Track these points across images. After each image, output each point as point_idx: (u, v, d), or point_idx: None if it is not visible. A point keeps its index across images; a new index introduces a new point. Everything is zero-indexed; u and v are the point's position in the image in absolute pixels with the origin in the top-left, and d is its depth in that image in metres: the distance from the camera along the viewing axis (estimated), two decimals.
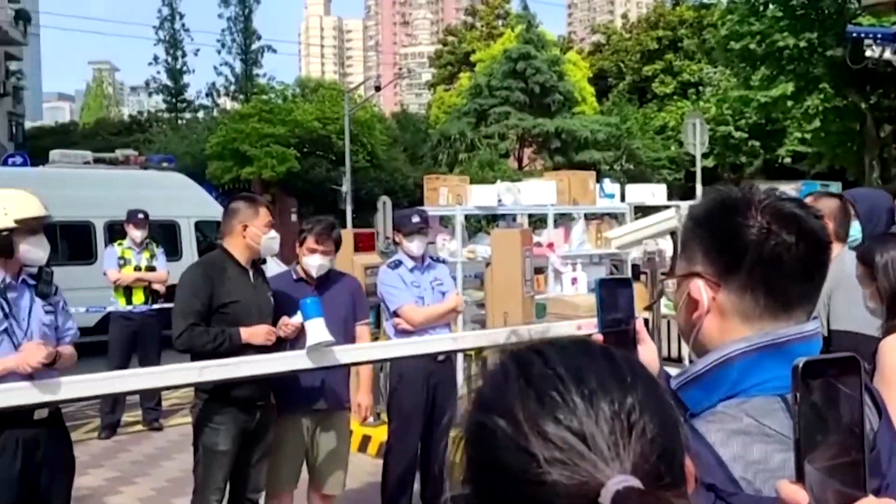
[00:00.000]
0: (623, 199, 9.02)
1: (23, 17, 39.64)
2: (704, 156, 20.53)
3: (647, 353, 1.45)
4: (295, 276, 4.53)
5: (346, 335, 4.33)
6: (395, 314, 5.13)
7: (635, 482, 0.67)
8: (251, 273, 4.22)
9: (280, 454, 4.37)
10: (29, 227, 3.48)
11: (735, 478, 1.06)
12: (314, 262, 4.41)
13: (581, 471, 0.68)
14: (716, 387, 1.18)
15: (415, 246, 5.20)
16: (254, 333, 4.02)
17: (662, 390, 0.77)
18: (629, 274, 7.66)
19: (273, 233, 4.24)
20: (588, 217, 8.58)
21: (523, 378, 0.74)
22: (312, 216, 4.90)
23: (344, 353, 3.79)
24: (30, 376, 3.29)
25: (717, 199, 1.27)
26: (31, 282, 3.57)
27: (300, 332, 3.98)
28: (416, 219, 5.24)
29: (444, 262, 5.66)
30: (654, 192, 9.25)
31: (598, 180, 8.93)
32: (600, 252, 8.52)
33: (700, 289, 1.24)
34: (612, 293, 1.41)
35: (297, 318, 3.98)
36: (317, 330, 3.79)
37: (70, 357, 3.65)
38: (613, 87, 46.05)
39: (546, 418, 0.71)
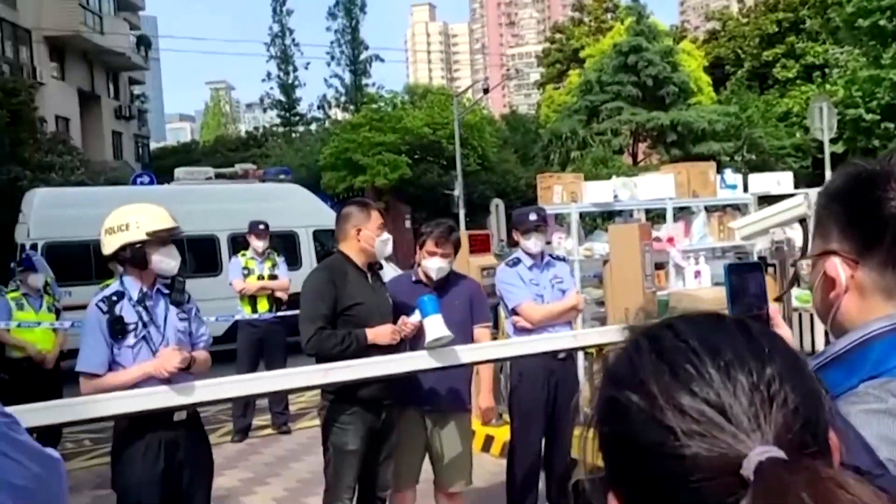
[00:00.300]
0: (746, 189, 8.67)
1: (144, 43, 41.84)
2: (832, 141, 19.51)
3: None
4: (414, 278, 4.59)
5: (464, 337, 4.32)
6: (514, 312, 5.12)
7: (778, 452, 0.64)
8: (369, 276, 4.30)
9: (400, 451, 4.43)
10: (160, 238, 3.64)
11: (881, 459, 1.00)
12: (433, 265, 4.47)
13: (720, 443, 0.66)
14: (857, 367, 1.13)
15: (532, 243, 5.18)
16: (379, 333, 4.08)
17: (803, 362, 0.73)
18: None
19: (385, 235, 4.31)
20: (709, 210, 8.31)
21: (654, 352, 0.72)
22: (426, 221, 4.95)
23: (465, 353, 3.79)
24: (167, 380, 3.44)
25: (853, 174, 1.21)
26: (165, 291, 3.74)
27: (419, 330, 4.02)
28: (533, 216, 5.23)
29: (563, 259, 5.61)
30: (779, 181, 8.81)
31: (719, 171, 8.60)
32: (723, 245, 8.23)
33: (837, 267, 1.19)
34: (743, 279, 1.37)
35: (416, 317, 4.02)
36: (435, 326, 3.80)
37: (204, 361, 3.80)
38: (731, 74, 44.50)
39: (681, 391, 0.68)
